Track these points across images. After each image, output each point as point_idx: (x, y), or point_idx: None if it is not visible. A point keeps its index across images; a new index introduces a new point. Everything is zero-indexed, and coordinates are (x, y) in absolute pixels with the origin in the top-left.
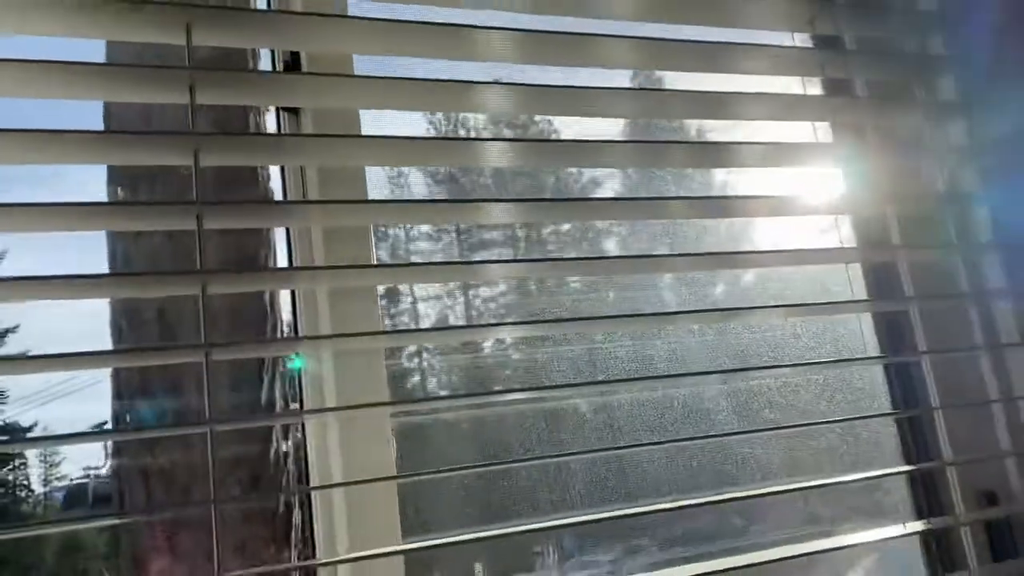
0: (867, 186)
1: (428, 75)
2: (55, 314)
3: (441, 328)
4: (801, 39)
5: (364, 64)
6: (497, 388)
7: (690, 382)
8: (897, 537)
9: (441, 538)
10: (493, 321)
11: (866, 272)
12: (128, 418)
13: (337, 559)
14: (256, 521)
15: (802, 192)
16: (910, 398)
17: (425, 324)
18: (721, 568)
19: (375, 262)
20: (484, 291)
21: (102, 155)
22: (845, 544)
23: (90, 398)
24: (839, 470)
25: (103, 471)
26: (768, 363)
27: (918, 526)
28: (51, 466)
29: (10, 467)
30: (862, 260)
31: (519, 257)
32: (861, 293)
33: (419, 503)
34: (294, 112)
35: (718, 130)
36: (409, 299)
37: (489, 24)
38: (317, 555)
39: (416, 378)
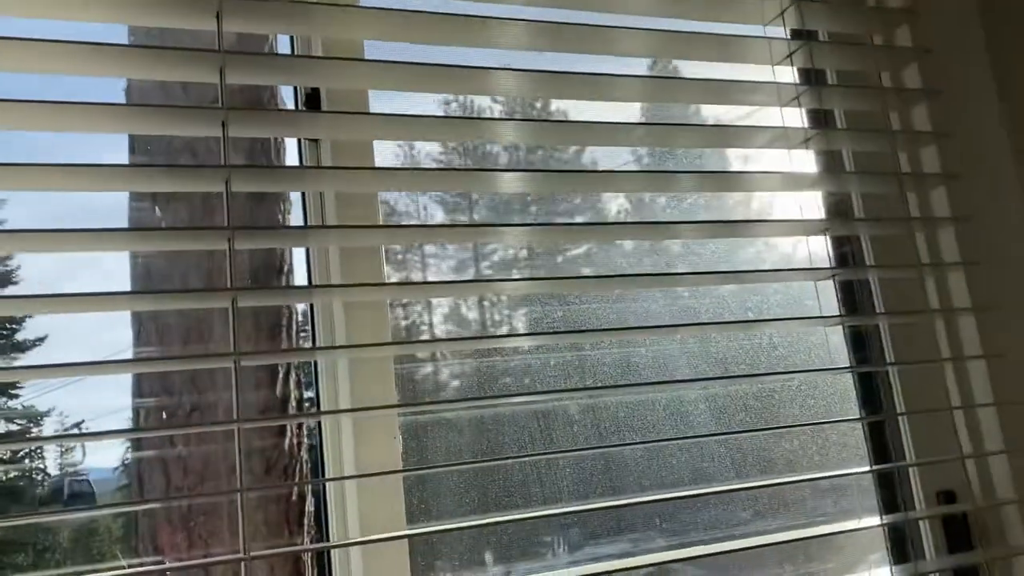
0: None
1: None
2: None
3: (453, 339)
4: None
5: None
6: (492, 394)
7: (674, 388)
8: (861, 530)
9: (441, 525)
10: (504, 321)
11: (837, 288)
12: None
13: (348, 542)
14: (270, 508)
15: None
16: (877, 404)
17: (438, 316)
18: (688, 556)
19: (385, 280)
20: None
21: (144, 182)
22: (812, 535)
23: (110, 386)
24: (809, 469)
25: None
26: (746, 371)
27: (877, 520)
28: (66, 451)
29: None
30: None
31: (529, 276)
32: (833, 308)
33: (424, 494)
34: (314, 140)
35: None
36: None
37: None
38: (330, 539)
39: (427, 374)
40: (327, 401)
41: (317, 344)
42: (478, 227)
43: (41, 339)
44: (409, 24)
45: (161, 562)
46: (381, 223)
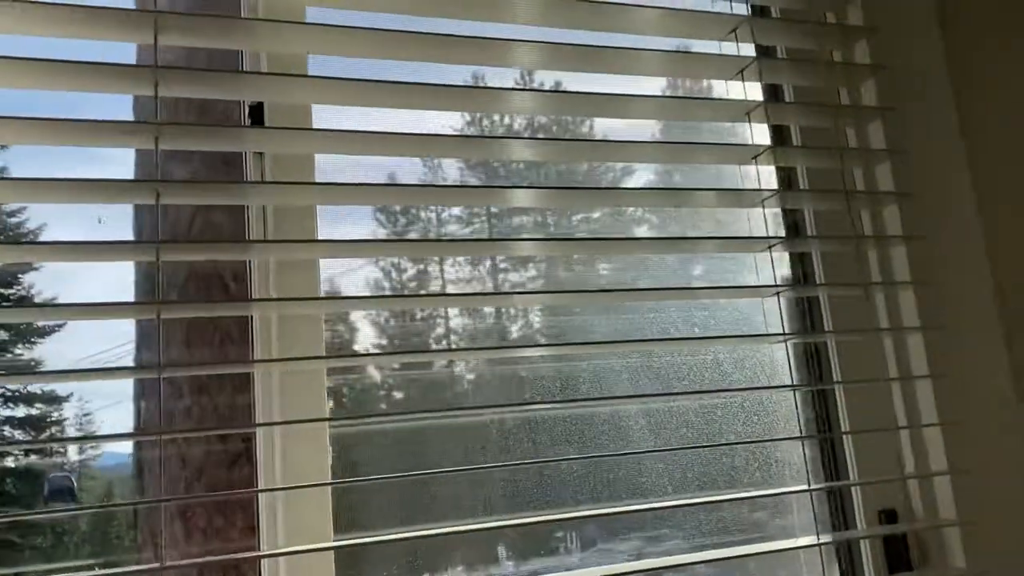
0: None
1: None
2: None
3: (386, 352)
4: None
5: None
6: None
7: (615, 404)
8: (802, 548)
9: (369, 536)
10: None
11: (783, 306)
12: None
13: (277, 552)
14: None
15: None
16: (822, 422)
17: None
18: (640, 569)
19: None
20: (514, 276)
21: (73, 195)
22: (754, 552)
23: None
24: (750, 487)
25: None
26: (689, 387)
27: (818, 539)
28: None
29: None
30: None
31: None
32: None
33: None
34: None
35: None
36: (438, 283)
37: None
38: (261, 548)
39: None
40: (262, 412)
41: (255, 355)
42: (416, 242)
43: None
44: (353, 39)
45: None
46: (319, 238)
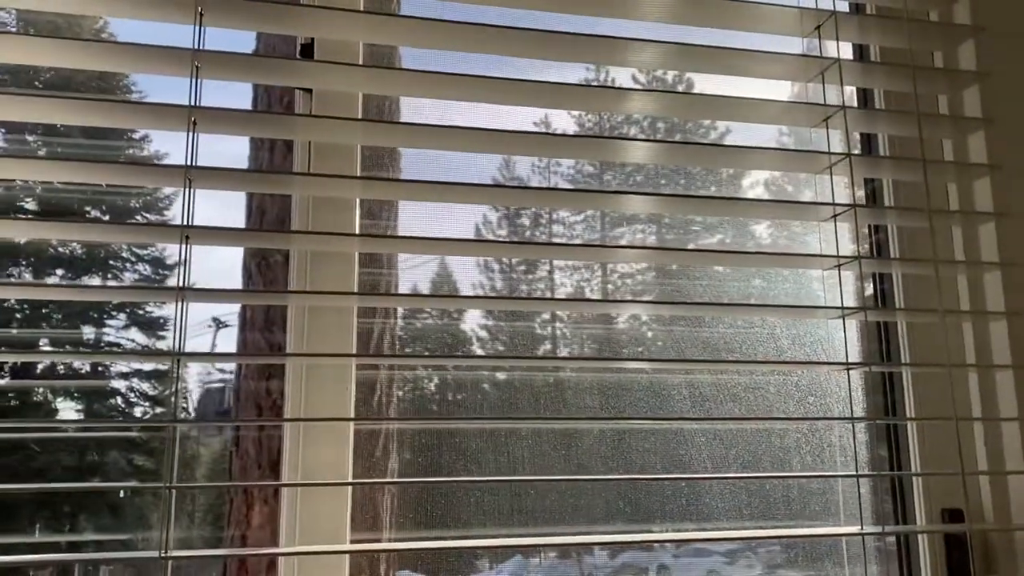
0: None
1: None
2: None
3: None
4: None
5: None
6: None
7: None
8: (844, 535)
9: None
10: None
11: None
12: None
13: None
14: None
15: None
16: (888, 410)
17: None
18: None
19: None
20: (621, 267)
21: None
22: (800, 535)
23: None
24: (799, 469)
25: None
26: (740, 359)
27: (862, 528)
28: None
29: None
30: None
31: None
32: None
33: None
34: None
35: None
36: (546, 268)
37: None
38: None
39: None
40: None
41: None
42: (457, 241)
43: None
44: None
45: None
46: (356, 231)
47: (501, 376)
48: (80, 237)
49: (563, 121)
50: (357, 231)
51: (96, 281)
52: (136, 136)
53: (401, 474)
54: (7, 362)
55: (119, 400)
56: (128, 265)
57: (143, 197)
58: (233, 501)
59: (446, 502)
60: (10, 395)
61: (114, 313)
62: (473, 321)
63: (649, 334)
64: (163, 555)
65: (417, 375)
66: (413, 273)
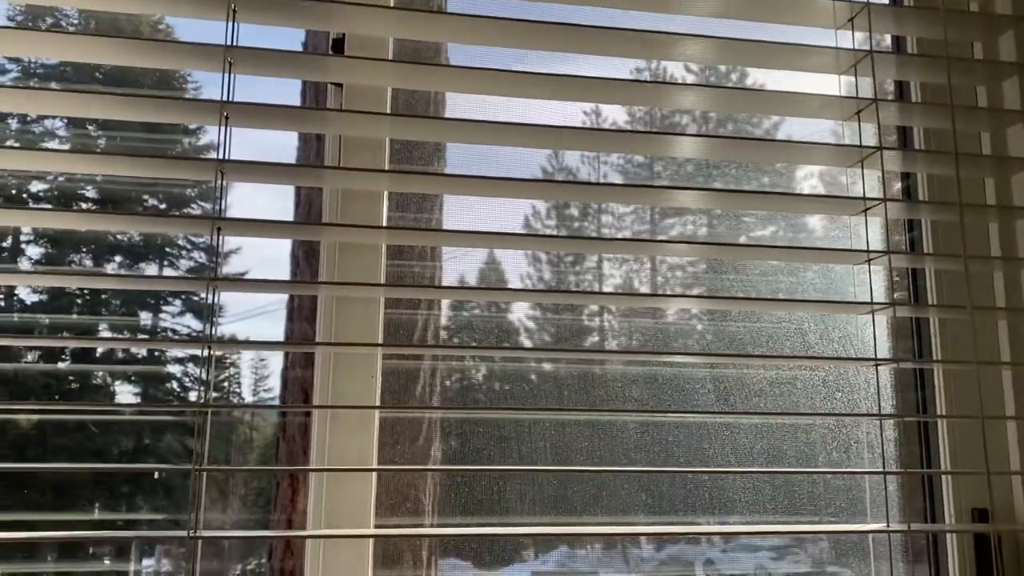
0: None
1: None
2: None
3: (457, 346)
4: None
5: None
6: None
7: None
8: (869, 532)
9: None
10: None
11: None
12: None
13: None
14: None
15: None
16: (919, 407)
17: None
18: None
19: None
20: (671, 259)
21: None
22: (825, 531)
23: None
24: (826, 466)
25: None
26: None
27: (888, 525)
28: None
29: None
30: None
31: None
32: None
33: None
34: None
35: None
36: (594, 258)
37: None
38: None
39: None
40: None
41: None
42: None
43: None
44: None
45: None
46: (384, 224)
47: (547, 367)
48: (112, 227)
49: (613, 111)
50: (384, 223)
51: (153, 269)
52: (192, 127)
53: (443, 462)
54: (67, 347)
55: (174, 384)
56: (184, 252)
57: (199, 186)
58: (279, 485)
59: (487, 489)
60: (71, 378)
61: (170, 299)
62: (520, 312)
63: (699, 327)
64: (191, 535)
65: (464, 365)
66: (460, 263)
